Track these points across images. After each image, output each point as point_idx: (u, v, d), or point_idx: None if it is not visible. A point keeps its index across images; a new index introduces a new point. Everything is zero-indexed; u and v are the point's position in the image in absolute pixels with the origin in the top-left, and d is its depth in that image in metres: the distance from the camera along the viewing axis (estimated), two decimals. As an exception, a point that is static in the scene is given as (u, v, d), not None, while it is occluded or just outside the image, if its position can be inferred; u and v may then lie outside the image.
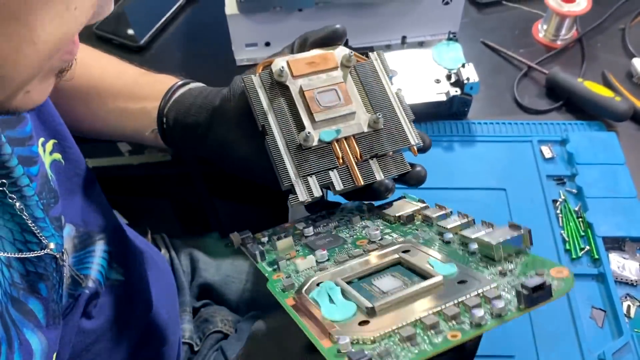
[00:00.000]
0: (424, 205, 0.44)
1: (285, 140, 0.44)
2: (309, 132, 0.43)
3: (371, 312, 0.31)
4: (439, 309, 0.30)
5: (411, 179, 0.44)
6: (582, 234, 0.58)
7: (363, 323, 0.31)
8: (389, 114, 0.45)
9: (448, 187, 0.61)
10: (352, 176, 0.44)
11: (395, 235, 0.41)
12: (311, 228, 0.45)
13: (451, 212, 0.41)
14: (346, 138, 0.44)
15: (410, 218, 0.43)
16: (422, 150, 0.46)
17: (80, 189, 0.48)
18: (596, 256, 0.56)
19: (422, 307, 0.31)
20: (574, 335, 0.52)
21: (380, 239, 0.41)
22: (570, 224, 0.58)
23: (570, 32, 0.77)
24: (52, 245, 0.38)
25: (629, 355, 0.50)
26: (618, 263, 0.55)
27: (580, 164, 0.62)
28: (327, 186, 0.44)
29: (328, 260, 0.40)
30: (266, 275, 0.40)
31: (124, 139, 0.61)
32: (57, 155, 0.44)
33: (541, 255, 0.36)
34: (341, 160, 0.44)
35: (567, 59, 0.76)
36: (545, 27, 0.78)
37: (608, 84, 0.70)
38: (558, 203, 0.60)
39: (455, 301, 0.31)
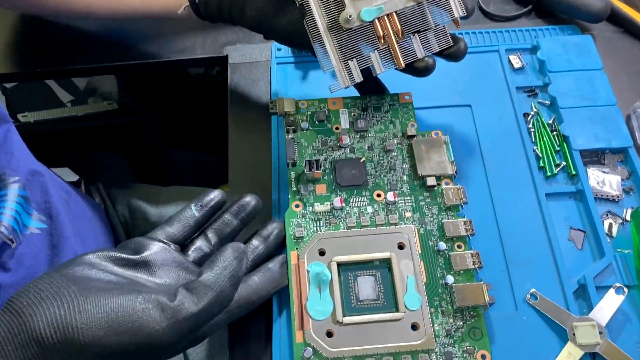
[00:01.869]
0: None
1: (325, 20, 0.44)
2: (350, 14, 0.43)
3: (340, 323, 0.42)
4: (383, 348, 0.41)
5: (452, 55, 0.45)
6: (557, 148, 0.52)
7: (330, 334, 0.42)
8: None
9: (408, 105, 0.54)
10: (393, 57, 0.45)
11: (406, 210, 0.47)
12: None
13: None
14: (388, 15, 0.44)
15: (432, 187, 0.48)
16: (466, 17, 0.45)
17: None
18: (573, 172, 0.50)
19: (376, 338, 0.42)
20: (551, 260, 0.47)
21: (394, 203, 0.47)
22: (544, 138, 0.52)
23: None
24: None
25: (611, 278, 0.45)
26: (597, 178, 0.50)
27: (553, 72, 0.55)
28: (368, 69, 0.45)
29: (342, 209, 0.47)
30: (289, 196, 0.47)
31: (149, 14, 0.56)
32: None
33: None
34: (382, 40, 0.44)
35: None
36: None
37: (580, -18, 0.63)
38: (530, 117, 0.54)
39: (395, 350, 0.41)
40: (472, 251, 0.45)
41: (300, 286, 0.43)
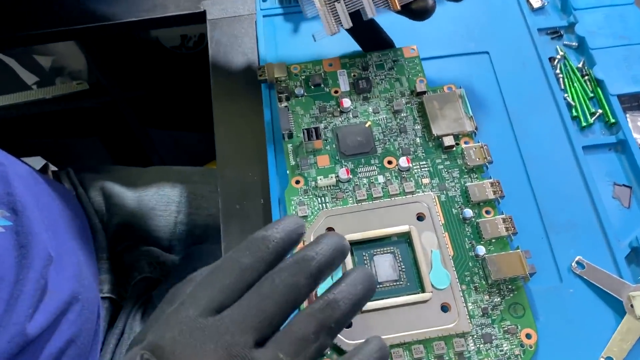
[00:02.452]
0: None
1: None
2: None
3: None
4: (411, 335, 0.35)
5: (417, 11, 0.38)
6: (591, 95, 0.45)
7: (348, 324, 0.34)
8: None
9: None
10: None
11: (423, 176, 0.41)
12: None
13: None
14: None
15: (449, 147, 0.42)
16: None
17: None
18: (612, 120, 0.44)
19: (401, 324, 0.36)
20: (596, 222, 0.40)
21: (408, 170, 0.41)
22: (575, 84, 0.46)
23: None
24: None
25: (670, 236, 0.39)
26: (641, 124, 0.43)
27: (578, 9, 0.48)
28: (357, 12, 0.39)
29: (349, 182, 0.41)
30: (287, 172, 0.41)
31: None
32: None
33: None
34: None
35: None
36: None
37: None
38: (556, 61, 0.47)
39: (425, 336, 0.35)
40: (503, 216, 0.39)
41: None
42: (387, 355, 0.28)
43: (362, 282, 0.28)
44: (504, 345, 0.35)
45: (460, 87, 0.44)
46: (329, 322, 0.26)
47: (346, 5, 0.38)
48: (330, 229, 0.39)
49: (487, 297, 0.37)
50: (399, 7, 0.39)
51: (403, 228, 0.38)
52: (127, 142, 0.91)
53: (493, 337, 0.35)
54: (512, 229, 0.38)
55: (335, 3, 0.38)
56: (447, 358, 0.35)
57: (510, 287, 0.37)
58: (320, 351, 0.27)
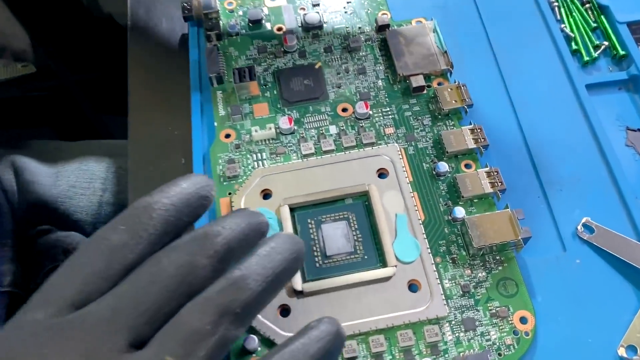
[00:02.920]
0: None
1: None
2: None
3: (299, 293, 0.27)
4: (368, 323, 0.27)
5: None
6: (594, 25, 0.37)
7: (285, 311, 0.27)
8: None
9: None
10: None
11: (386, 125, 0.33)
12: None
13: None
14: None
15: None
16: None
17: None
18: (621, 52, 0.35)
19: (355, 309, 0.27)
20: (606, 175, 0.32)
21: (367, 117, 0.33)
22: (574, 13, 0.37)
23: None
24: None
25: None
26: (657, 54, 0.35)
27: None
28: None
29: (292, 134, 0.32)
30: (215, 124, 0.33)
31: None
32: None
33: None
34: None
35: None
36: None
37: None
38: (549, -12, 0.39)
39: (387, 324, 0.27)
40: (487, 169, 0.30)
41: None
42: (343, 341, 0.20)
43: (282, 251, 0.20)
44: (492, 333, 0.27)
45: (432, 19, 0.35)
46: (232, 307, 0.18)
47: None
48: (266, 192, 0.30)
49: (469, 271, 0.28)
50: None
51: (360, 187, 0.30)
52: (82, 130, 0.82)
53: (477, 323, 0.27)
54: (500, 184, 0.30)
55: None
56: (415, 352, 0.26)
57: (498, 257, 0.28)
58: (224, 346, 0.18)
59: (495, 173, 0.30)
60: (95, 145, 0.50)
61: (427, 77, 0.34)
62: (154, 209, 0.20)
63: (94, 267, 0.19)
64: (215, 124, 0.33)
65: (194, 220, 0.21)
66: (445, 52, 0.34)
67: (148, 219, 0.19)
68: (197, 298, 0.18)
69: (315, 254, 0.28)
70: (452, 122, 0.32)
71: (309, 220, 0.29)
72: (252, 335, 0.26)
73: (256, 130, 0.32)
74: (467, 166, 0.31)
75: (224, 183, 0.31)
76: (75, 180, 0.45)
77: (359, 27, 0.36)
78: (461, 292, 0.28)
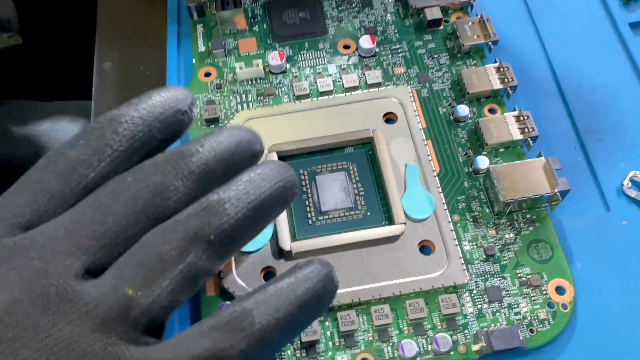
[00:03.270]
0: None
1: None
2: None
3: (287, 253, 0.23)
4: (369, 290, 0.22)
5: None
6: (638, -44, 0.32)
7: (270, 274, 0.23)
8: None
9: None
10: None
11: (395, 63, 0.28)
12: None
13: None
14: None
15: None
16: None
17: None
18: (671, -14, 0.30)
19: (355, 274, 0.22)
20: (654, 127, 0.27)
21: (373, 55, 0.28)
22: (614, -57, 0.32)
23: None
24: None
25: None
26: None
27: None
28: None
29: (285, 73, 0.27)
30: (193, 62, 0.28)
31: None
32: None
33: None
34: None
35: None
36: None
37: None
38: None
39: (393, 291, 0.22)
40: (515, 112, 0.25)
41: None
42: (335, 287, 0.16)
43: (269, 177, 0.16)
44: (522, 305, 0.22)
45: (450, -55, 0.30)
46: (204, 233, 0.15)
47: None
48: (251, 138, 0.25)
49: (493, 232, 0.23)
50: None
51: (363, 133, 0.25)
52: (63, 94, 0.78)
53: (504, 293, 0.22)
54: (531, 129, 0.25)
55: None
56: (428, 326, 0.21)
57: (529, 216, 0.24)
58: (193, 278, 0.15)
59: (526, 117, 0.25)
60: (72, 105, 0.46)
61: (445, 11, 0.29)
62: (120, 123, 0.16)
63: (49, 185, 0.16)
64: (194, 60, 0.28)
65: (169, 139, 0.17)
66: (466, -19, 0.29)
67: (113, 133, 0.16)
68: (165, 223, 0.15)
69: (308, 209, 0.24)
70: (474, 61, 0.27)
71: (301, 171, 0.25)
72: (227, 303, 0.21)
73: (241, 68, 0.27)
74: (492, 111, 0.26)
75: (202, 127, 0.26)
76: (47, 140, 0.41)
77: (364, -44, 0.31)
78: (484, 256, 0.23)
